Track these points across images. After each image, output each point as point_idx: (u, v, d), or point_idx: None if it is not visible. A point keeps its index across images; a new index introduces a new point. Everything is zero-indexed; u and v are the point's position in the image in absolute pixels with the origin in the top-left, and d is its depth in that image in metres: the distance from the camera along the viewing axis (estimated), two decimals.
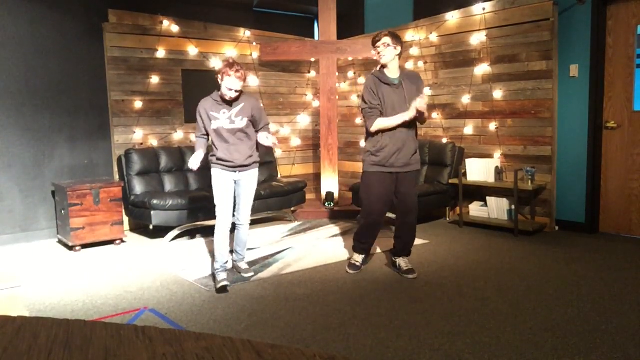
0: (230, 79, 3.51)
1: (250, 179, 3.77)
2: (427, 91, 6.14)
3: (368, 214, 3.89)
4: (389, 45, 3.69)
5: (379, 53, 3.73)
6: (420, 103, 3.58)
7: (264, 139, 3.68)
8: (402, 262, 4.01)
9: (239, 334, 2.97)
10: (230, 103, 3.62)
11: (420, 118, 3.75)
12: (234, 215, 3.80)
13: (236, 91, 3.56)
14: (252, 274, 3.95)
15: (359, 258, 4.06)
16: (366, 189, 3.89)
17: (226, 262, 3.78)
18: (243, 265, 4.02)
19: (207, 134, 3.71)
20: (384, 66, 3.78)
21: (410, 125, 3.77)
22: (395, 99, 3.72)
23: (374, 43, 3.75)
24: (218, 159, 3.66)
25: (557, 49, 5.13)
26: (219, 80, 3.57)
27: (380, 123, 3.73)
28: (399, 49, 3.73)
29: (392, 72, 3.78)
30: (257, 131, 3.78)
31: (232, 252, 4.03)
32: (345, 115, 7.26)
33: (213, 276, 3.89)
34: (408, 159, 3.80)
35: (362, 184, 3.94)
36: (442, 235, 5.25)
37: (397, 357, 2.63)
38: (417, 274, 3.92)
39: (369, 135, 3.83)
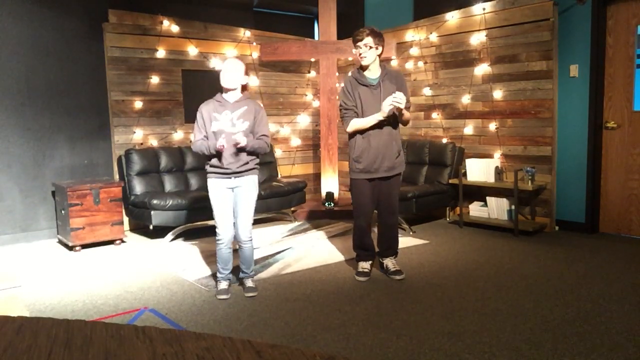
0: (226, 63, 3.44)
1: (247, 187, 3.51)
2: (427, 91, 6.15)
3: (357, 218, 3.89)
4: (370, 47, 3.61)
5: (360, 54, 3.63)
6: (396, 99, 3.43)
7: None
8: (389, 263, 3.98)
9: (239, 334, 2.97)
10: (233, 105, 3.47)
11: (400, 118, 3.69)
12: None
13: (235, 77, 3.42)
14: (255, 294, 3.58)
15: (365, 265, 3.96)
16: (354, 195, 3.88)
17: (229, 273, 3.65)
18: (248, 282, 3.67)
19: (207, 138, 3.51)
20: (361, 67, 3.72)
21: (391, 127, 3.71)
22: (371, 100, 3.66)
23: (355, 42, 3.65)
24: (212, 166, 3.47)
25: (557, 49, 5.13)
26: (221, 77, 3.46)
27: (354, 124, 3.70)
28: (380, 48, 3.66)
29: (372, 73, 3.71)
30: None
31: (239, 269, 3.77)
32: None
33: (214, 276, 3.88)
34: (392, 162, 3.75)
35: (350, 189, 3.92)
36: (442, 235, 5.25)
37: (397, 357, 2.63)
38: (404, 275, 3.89)
39: (350, 138, 3.80)
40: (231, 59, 3.50)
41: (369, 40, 3.60)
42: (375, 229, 4.13)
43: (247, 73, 3.53)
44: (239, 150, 3.43)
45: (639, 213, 4.89)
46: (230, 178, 3.49)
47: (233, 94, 3.49)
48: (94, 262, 4.53)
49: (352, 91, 3.71)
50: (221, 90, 3.52)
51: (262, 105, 3.69)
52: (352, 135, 3.77)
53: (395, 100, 3.44)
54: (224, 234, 3.53)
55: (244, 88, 3.55)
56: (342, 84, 3.81)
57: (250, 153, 3.49)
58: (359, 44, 3.62)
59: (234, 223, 3.57)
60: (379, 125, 3.67)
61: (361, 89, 3.69)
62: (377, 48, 3.64)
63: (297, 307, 3.37)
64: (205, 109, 3.48)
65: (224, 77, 3.45)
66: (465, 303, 3.36)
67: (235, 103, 3.48)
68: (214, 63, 6.15)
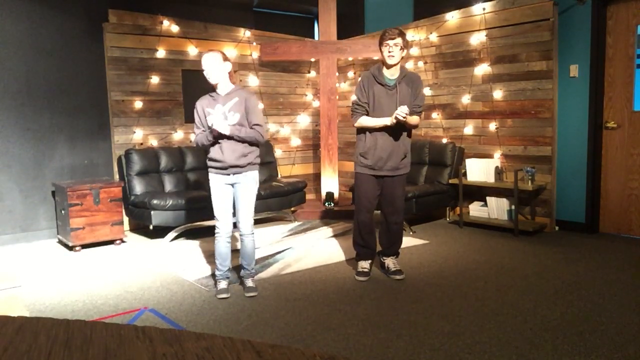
0: (203, 61, 3.43)
1: (246, 183, 3.52)
2: (427, 91, 6.14)
3: (358, 212, 3.90)
4: (401, 47, 3.63)
5: (389, 52, 3.62)
6: (400, 111, 3.46)
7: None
8: (390, 262, 3.98)
9: (239, 334, 2.97)
10: (224, 98, 3.48)
11: (405, 126, 3.68)
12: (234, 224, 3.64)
13: (213, 71, 3.41)
14: (255, 294, 3.58)
15: (365, 264, 3.96)
16: (356, 188, 3.91)
17: (228, 270, 3.65)
18: (249, 282, 3.67)
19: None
20: (386, 65, 3.71)
21: (401, 129, 3.70)
22: (385, 100, 3.67)
23: (386, 39, 3.62)
24: (210, 159, 3.51)
25: (557, 49, 5.13)
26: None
27: (362, 121, 3.73)
28: (405, 51, 3.69)
29: (392, 73, 3.71)
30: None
31: (240, 266, 3.79)
32: (345, 115, 7.23)
33: (214, 276, 3.88)
34: (397, 163, 3.76)
35: (354, 183, 3.95)
36: (442, 235, 5.25)
37: (397, 357, 2.63)
38: (404, 275, 3.89)
39: (358, 133, 3.83)
40: (205, 55, 3.46)
41: (399, 40, 3.61)
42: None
43: (226, 59, 3.49)
44: (220, 137, 3.41)
45: (639, 213, 4.89)
46: (229, 175, 3.50)
47: (223, 87, 3.50)
48: (94, 262, 4.53)
49: (367, 88, 3.72)
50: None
51: (252, 93, 3.65)
52: (362, 130, 3.79)
53: (399, 114, 3.48)
54: (222, 227, 3.56)
55: (231, 76, 3.53)
56: (360, 78, 3.81)
57: (246, 142, 3.47)
58: (389, 42, 3.61)
59: (235, 217, 3.62)
60: (389, 127, 3.67)
61: (377, 87, 3.70)
62: (402, 50, 3.66)
63: (297, 307, 3.37)
64: (200, 105, 3.53)
65: (206, 75, 3.47)
66: (465, 303, 3.36)
67: (226, 96, 3.50)
68: None
